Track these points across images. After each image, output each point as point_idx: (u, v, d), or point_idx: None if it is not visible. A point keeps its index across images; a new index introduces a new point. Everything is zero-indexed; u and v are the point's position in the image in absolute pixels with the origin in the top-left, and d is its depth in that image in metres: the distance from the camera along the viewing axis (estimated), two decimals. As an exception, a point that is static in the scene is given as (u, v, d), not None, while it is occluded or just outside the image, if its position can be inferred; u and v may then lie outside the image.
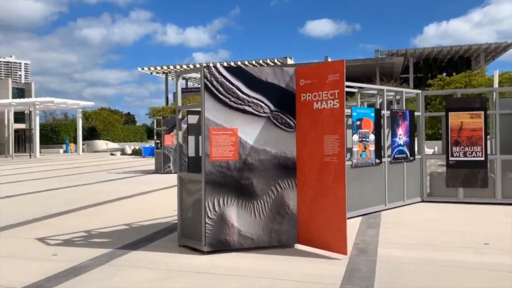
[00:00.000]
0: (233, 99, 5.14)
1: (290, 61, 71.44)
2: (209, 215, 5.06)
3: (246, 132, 5.17)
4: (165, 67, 76.43)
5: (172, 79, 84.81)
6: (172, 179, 13.78)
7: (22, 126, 42.18)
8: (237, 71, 5.17)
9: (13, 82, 46.36)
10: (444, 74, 59.29)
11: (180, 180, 5.52)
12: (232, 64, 70.51)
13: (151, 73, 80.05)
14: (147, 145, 33.62)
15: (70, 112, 63.89)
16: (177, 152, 5.55)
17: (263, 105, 5.23)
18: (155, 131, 19.05)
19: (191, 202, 5.42)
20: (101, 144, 42.85)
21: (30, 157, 32.82)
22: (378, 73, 61.11)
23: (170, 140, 16.16)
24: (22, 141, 43.75)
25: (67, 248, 5.44)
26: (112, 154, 33.27)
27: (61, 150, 41.13)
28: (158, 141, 40.66)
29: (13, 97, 40.11)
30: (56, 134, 44.68)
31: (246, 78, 5.18)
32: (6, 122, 36.31)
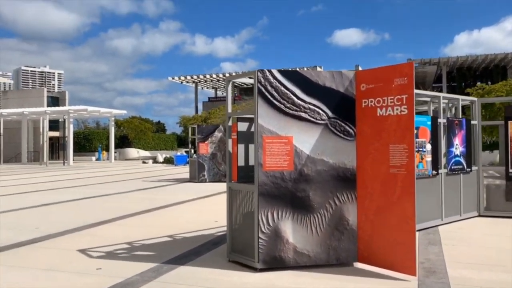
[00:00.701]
0: (288, 105, 4.78)
1: (319, 70, 70.98)
2: (263, 229, 4.69)
3: (302, 140, 4.80)
4: (195, 77, 77.19)
5: (202, 88, 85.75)
6: (208, 188, 13.55)
7: (56, 134, 43.13)
8: (293, 75, 4.82)
9: (48, 91, 47.55)
10: (479, 83, 57.61)
11: (229, 191, 5.18)
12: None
13: (181, 82, 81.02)
14: (178, 154, 33.67)
15: (101, 120, 65.19)
16: (227, 162, 5.23)
17: (320, 111, 4.85)
18: (189, 139, 18.91)
19: (241, 215, 5.07)
20: (132, 152, 43.28)
21: (64, 164, 33.38)
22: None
23: (204, 148, 15.95)
24: (56, 149, 44.72)
25: (111, 262, 5.17)
26: (144, 162, 33.47)
27: (94, 158, 41.74)
28: (187, 150, 40.67)
29: (48, 105, 41.06)
30: (88, 142, 45.46)
31: (302, 82, 4.82)
32: (41, 130, 37.12)
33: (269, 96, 4.74)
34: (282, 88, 4.77)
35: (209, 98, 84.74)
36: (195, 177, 16.16)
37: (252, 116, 5.39)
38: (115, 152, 39.33)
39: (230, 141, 5.21)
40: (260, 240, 4.69)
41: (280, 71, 4.79)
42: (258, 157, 4.70)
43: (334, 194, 4.87)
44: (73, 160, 35.13)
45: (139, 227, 7.35)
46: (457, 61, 58.37)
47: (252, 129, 5.43)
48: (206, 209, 9.38)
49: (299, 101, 4.80)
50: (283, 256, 4.73)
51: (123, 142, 46.50)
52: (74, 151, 36.25)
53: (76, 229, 7.23)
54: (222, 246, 5.85)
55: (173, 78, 79.13)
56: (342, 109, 4.90)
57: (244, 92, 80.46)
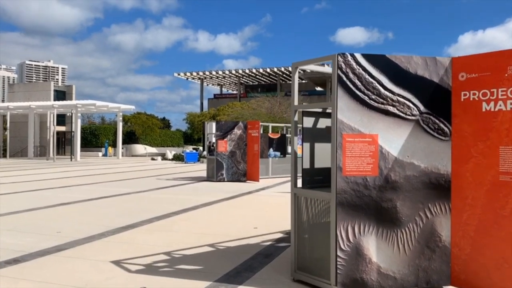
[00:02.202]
0: (373, 97, 3.99)
1: (327, 68, 70.00)
2: (342, 246, 3.91)
3: (388, 139, 4.01)
4: (200, 73, 76.52)
5: (207, 85, 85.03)
6: (230, 188, 12.77)
7: (62, 128, 42.43)
8: (379, 61, 4.02)
9: (54, 85, 46.82)
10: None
11: (295, 198, 4.40)
12: (262, 71, 69.79)
13: (187, 78, 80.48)
14: (187, 151, 32.92)
15: (107, 115, 64.53)
16: (292, 163, 4.43)
17: (410, 105, 4.05)
18: (206, 136, 18.16)
19: (310, 227, 4.29)
20: (139, 148, 42.54)
21: (71, 160, 32.67)
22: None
23: (223, 146, 15.17)
24: (62, 144, 44.00)
25: (155, 278, 4.39)
26: (153, 159, 32.71)
27: (100, 154, 41.02)
28: (195, 147, 39.92)
29: (54, 99, 40.35)
30: (95, 137, 44.74)
31: (390, 69, 4.02)
32: (48, 124, 36.41)
33: (351, 86, 3.95)
34: (367, 76, 3.98)
35: (214, 95, 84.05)
36: (213, 175, 15.39)
37: (318, 110, 4.61)
38: (122, 148, 38.60)
39: (295, 139, 4.41)
40: (338, 259, 3.90)
41: (364, 56, 3.99)
42: (337, 159, 3.91)
43: (425, 205, 4.07)
44: (80, 155, 34.39)
45: (171, 233, 6.58)
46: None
47: (319, 125, 4.66)
48: (238, 213, 8.60)
49: (386, 92, 4.01)
50: (365, 278, 3.94)
51: (130, 138, 45.78)
52: (81, 146, 35.51)
53: (103, 234, 6.45)
54: (276, 259, 5.07)
55: (178, 74, 78.53)
56: (436, 102, 4.10)
57: (249, 89, 79.81)
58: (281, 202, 10.15)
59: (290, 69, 68.73)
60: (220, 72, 75.11)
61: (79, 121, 33.95)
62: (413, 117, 4.05)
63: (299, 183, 4.45)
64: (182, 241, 6.06)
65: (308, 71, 4.43)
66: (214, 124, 31.82)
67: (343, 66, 3.93)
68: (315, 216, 4.23)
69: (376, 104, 3.98)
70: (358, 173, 3.95)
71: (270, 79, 76.31)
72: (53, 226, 7.07)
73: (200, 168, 22.71)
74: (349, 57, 3.95)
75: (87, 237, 6.24)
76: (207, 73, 75.64)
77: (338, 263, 3.90)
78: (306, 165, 4.50)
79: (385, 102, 4.00)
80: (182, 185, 14.17)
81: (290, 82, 77.67)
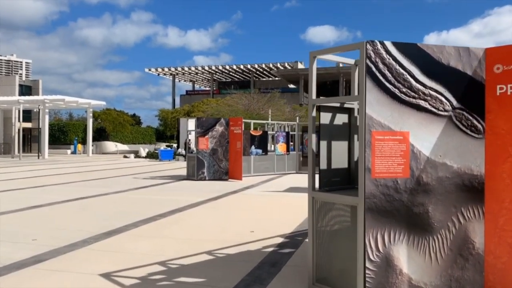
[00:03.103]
0: (404, 90, 3.59)
1: (300, 65, 70.07)
2: (371, 256, 3.50)
3: (420, 137, 3.62)
4: (172, 69, 75.24)
5: (179, 81, 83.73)
6: (213, 187, 12.25)
7: (28, 125, 40.61)
8: (411, 50, 3.62)
9: (19, 79, 44.77)
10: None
11: (313, 203, 3.96)
12: (235, 67, 69.15)
13: (158, 74, 78.99)
14: (161, 148, 32.06)
15: (75, 112, 62.40)
16: (310, 163, 3.98)
17: (443, 99, 3.68)
18: (188, 133, 17.54)
19: (331, 235, 3.86)
20: (110, 145, 41.21)
21: (38, 157, 31.24)
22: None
23: (204, 143, 14.59)
24: (28, 141, 42.17)
25: (155, 296, 3.86)
26: (125, 157, 31.65)
27: (69, 151, 39.50)
28: (168, 144, 38.96)
29: (19, 94, 38.54)
30: (64, 134, 43.07)
31: (421, 60, 3.63)
32: (13, 121, 34.72)
33: (381, 77, 3.53)
34: (398, 67, 3.57)
35: (187, 91, 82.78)
36: (193, 174, 14.80)
37: (336, 105, 4.19)
38: (92, 145, 37.26)
39: (313, 137, 3.96)
40: (367, 272, 3.49)
41: (394, 44, 3.58)
42: (366, 159, 3.49)
43: (458, 209, 3.71)
44: (48, 153, 32.93)
45: (161, 240, 6.03)
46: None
47: (336, 121, 4.23)
48: (229, 215, 8.11)
49: (417, 85, 3.61)
50: (396, 292, 3.55)
51: (100, 135, 44.32)
52: (48, 143, 34.00)
53: (86, 241, 5.84)
54: (284, 269, 4.63)
55: (149, 70, 76.96)
56: (469, 97, 3.74)
57: (223, 86, 79.01)
58: (271, 202, 9.72)
59: (264, 66, 68.48)
60: (193, 68, 74.04)
61: (46, 117, 32.48)
62: (445, 113, 3.67)
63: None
64: (175, 248, 5.54)
65: (327, 57, 3.99)
66: (189, 121, 31.14)
67: (372, 55, 3.51)
68: (337, 222, 3.81)
69: (407, 98, 3.59)
70: (388, 175, 3.54)
71: (244, 76, 75.84)
72: (28, 232, 6.39)
73: (177, 166, 22.04)
74: (379, 45, 3.54)
75: (69, 245, 5.62)
76: (179, 69, 74.44)
77: (366, 275, 3.49)
78: (323, 165, 4.06)
79: (416, 96, 3.61)
80: (162, 184, 13.52)
81: (264, 79, 77.58)
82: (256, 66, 67.99)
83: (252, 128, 16.32)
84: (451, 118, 3.69)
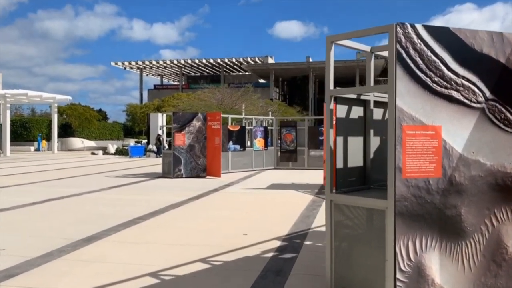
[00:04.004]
0: (436, 79, 3.21)
1: (271, 60, 69.78)
2: (402, 266, 3.11)
3: (452, 132, 3.25)
4: (140, 62, 73.35)
5: (147, 75, 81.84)
6: (191, 185, 11.70)
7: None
8: (443, 34, 3.23)
9: (-23, 73, 42.36)
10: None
11: (332, 206, 3.52)
12: (205, 62, 68.10)
13: (125, 68, 76.85)
14: (131, 144, 31.04)
15: (38, 107, 59.86)
16: (328, 160, 3.54)
17: (476, 90, 3.32)
18: (164, 128, 16.81)
19: (353, 242, 3.45)
20: (76, 142, 39.62)
21: (0, 155, 29.59)
22: (358, 75, 60.68)
23: (181, 139, 13.97)
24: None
25: (153, 317, 3.35)
26: (93, 154, 30.42)
27: (32, 148, 37.71)
28: (138, 140, 37.81)
29: (-23, 89, 36.41)
30: (26, 130, 41.06)
31: (454, 46, 3.26)
32: (-29, 116, 32.73)
33: (412, 65, 3.14)
34: (429, 53, 3.19)
35: (155, 85, 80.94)
36: (169, 172, 14.16)
37: (353, 96, 3.78)
38: (57, 142, 35.68)
39: (331, 131, 3.52)
40: (398, 283, 3.10)
41: (425, 27, 3.19)
42: (396, 157, 3.09)
43: (491, 210, 3.37)
44: (10, 150, 31.26)
45: (147, 246, 5.49)
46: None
47: (352, 115, 3.82)
48: (216, 215, 7.61)
49: (450, 74, 3.24)
50: (428, 305, 3.18)
51: (65, 131, 42.54)
52: (10, 140, 32.29)
53: (62, 250, 5.23)
54: (292, 278, 4.20)
55: (115, 64, 74.73)
56: (502, 87, 3.40)
57: (192, 80, 77.73)
58: (256, 200, 9.28)
59: (234, 60, 67.81)
60: (161, 62, 72.43)
61: (8, 112, 30.79)
62: (478, 105, 3.32)
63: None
64: (164, 256, 5.01)
65: (344, 42, 3.55)
66: (159, 116, 30.26)
67: (403, 39, 3.11)
68: (359, 228, 3.40)
69: (439, 89, 3.21)
70: (420, 175, 3.16)
71: (214, 70, 74.85)
72: (-5, 241, 5.70)
73: (149, 163, 21.27)
74: (409, 28, 3.14)
75: (43, 255, 5.00)
76: (146, 62, 72.65)
77: (397, 287, 3.10)
78: (340, 164, 3.64)
79: (448, 86, 3.24)
80: (136, 183, 12.83)
81: (234, 73, 76.85)
82: (226, 60, 67.18)
83: (229, 123, 15.81)
84: (484, 111, 3.34)
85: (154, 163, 21.01)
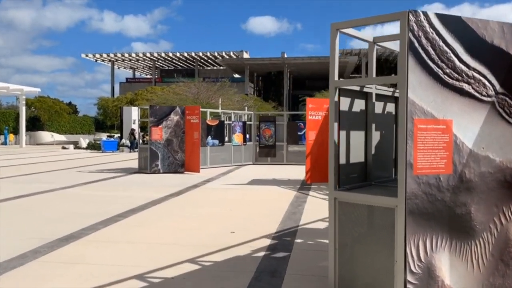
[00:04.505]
0: (447, 71, 3.05)
1: (246, 55, 69.41)
2: (412, 267, 2.95)
3: (462, 126, 3.11)
4: (111, 55, 71.59)
5: (119, 68, 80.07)
6: (170, 181, 11.36)
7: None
8: (455, 24, 3.08)
9: None
10: (393, 75, 60.47)
11: (336, 205, 3.33)
12: (178, 55, 67.08)
13: (96, 60, 74.96)
14: (103, 138, 30.23)
15: (4, 99, 57.65)
16: (331, 157, 3.33)
17: (486, 82, 3.19)
18: (138, 122, 16.32)
19: (358, 243, 3.27)
20: (45, 135, 38.32)
21: (-37, 149, 28.25)
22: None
23: (158, 133, 13.57)
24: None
25: (145, 326, 3.09)
26: (64, 148, 29.44)
27: (-2, 142, 36.29)
28: (110, 134, 36.87)
29: None
30: (-8, 123, 39.49)
31: (466, 36, 3.11)
32: None
33: (424, 55, 2.97)
34: (441, 43, 3.03)
35: (127, 79, 79.30)
36: (146, 167, 13.74)
37: (356, 88, 3.59)
38: (25, 136, 34.41)
39: (335, 125, 3.32)
40: (408, 285, 2.94)
41: (438, 16, 3.03)
42: (407, 152, 2.93)
43: (499, 208, 3.26)
44: (-26, 144, 29.98)
45: (129, 246, 5.19)
46: (377, 52, 60.66)
47: (355, 108, 3.64)
48: (199, 213, 7.34)
49: (461, 65, 3.09)
50: (437, 307, 3.04)
51: (33, 125, 41.12)
52: (-25, 133, 30.95)
53: (37, 251, 4.87)
54: (288, 278, 4.01)
55: (86, 56, 72.74)
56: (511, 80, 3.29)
57: (165, 74, 76.52)
58: (239, 197, 9.05)
59: (208, 54, 67.10)
60: (134, 55, 70.94)
61: (-28, 104, 29.44)
62: (488, 98, 3.19)
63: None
64: (149, 256, 4.73)
65: (348, 30, 3.36)
66: (133, 109, 29.52)
67: (415, 27, 2.93)
68: (365, 227, 3.22)
69: (450, 81, 3.06)
70: (431, 171, 3.00)
71: (188, 64, 73.93)
72: (-38, 242, 5.27)
73: (123, 158, 20.71)
74: (422, 16, 2.96)
75: (16, 257, 4.64)
76: (118, 55, 71.01)
77: (407, 290, 2.94)
78: (342, 160, 3.46)
79: (460, 78, 3.09)
80: (112, 178, 12.38)
81: (209, 68, 76.13)
82: (200, 54, 66.42)
83: (208, 118, 15.49)
84: (494, 105, 3.21)
85: (129, 158, 20.48)
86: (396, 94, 4.18)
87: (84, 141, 30.04)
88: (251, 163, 16.90)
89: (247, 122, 17.24)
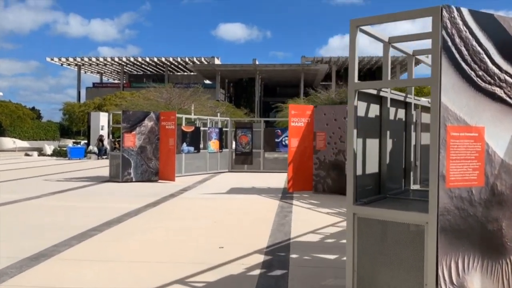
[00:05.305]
0: (480, 73, 2.78)
1: (217, 61, 68.90)
2: (445, 292, 2.64)
3: (494, 134, 2.84)
4: (78, 59, 69.63)
5: (85, 72, 77.93)
6: (144, 190, 10.79)
7: None
8: (488, 22, 2.81)
9: None
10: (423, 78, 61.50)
11: (355, 221, 2.99)
12: (148, 60, 65.88)
13: (62, 64, 72.84)
14: (69, 145, 29.04)
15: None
16: (350, 167, 2.99)
17: (517, 87, 2.93)
18: (110, 128, 15.56)
19: (382, 263, 2.93)
20: (7, 142, 36.53)
21: None
22: (303, 79, 61.61)
23: (131, 140, 12.95)
24: None
25: None
26: (27, 155, 28.03)
27: (-45, 148, 34.29)
28: (76, 141, 35.55)
29: None
30: None
31: (498, 36, 2.86)
32: None
33: (457, 55, 2.69)
34: (474, 43, 2.75)
35: (93, 83, 77.28)
36: (117, 175, 13.07)
37: (373, 92, 3.28)
38: (-15, 142, 32.69)
39: (355, 132, 2.98)
40: (441, 312, 2.62)
41: (471, 12, 2.75)
42: (439, 162, 2.62)
43: (529, 223, 3.00)
44: None
45: (110, 264, 4.68)
46: (346, 61, 61.68)
47: (371, 113, 3.33)
48: (180, 225, 6.87)
49: (493, 68, 2.83)
50: (471, 336, 2.73)
51: (-6, 130, 39.18)
52: None
53: (5, 272, 4.29)
54: (292, 301, 3.62)
55: (52, 59, 70.53)
56: (541, 85, 3.05)
57: (134, 79, 75.00)
58: (220, 207, 8.61)
59: (179, 59, 66.28)
60: (101, 59, 69.26)
61: None
62: (520, 104, 2.94)
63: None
64: (133, 277, 4.25)
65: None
66: (101, 115, 28.54)
67: (449, 25, 2.65)
68: (389, 247, 2.89)
69: (483, 84, 2.79)
70: (463, 184, 2.71)
71: (157, 69, 72.76)
72: None
73: (92, 166, 19.82)
74: (455, 13, 2.68)
75: (-20, 281, 4.06)
76: (85, 59, 69.18)
77: (440, 317, 2.62)
78: (359, 170, 3.13)
79: (492, 81, 2.82)
80: (82, 187, 11.67)
81: (179, 73, 75.24)
82: (171, 59, 65.50)
83: (183, 124, 14.96)
84: (525, 112, 2.96)
85: (97, 166, 19.63)
86: (408, 100, 3.91)
87: (49, 147, 28.73)
88: (227, 171, 16.46)
89: (223, 129, 16.81)
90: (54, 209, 8.16)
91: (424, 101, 4.40)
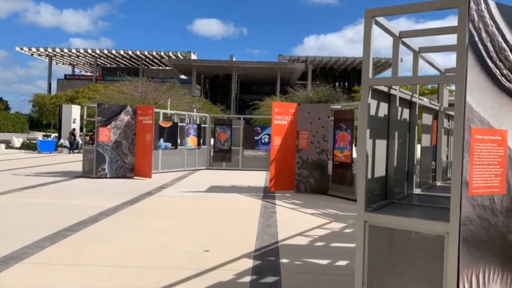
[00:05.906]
0: (505, 72, 2.59)
1: (193, 56, 68.07)
2: (465, 308, 2.43)
3: (516, 138, 2.65)
4: (49, 49, 67.57)
5: (57, 63, 75.69)
6: (120, 187, 10.35)
7: None
8: (513, 17, 2.62)
9: None
10: (338, 83, 62.33)
11: (366, 229, 2.75)
12: (122, 53, 64.44)
13: (32, 54, 70.52)
14: (39, 138, 27.99)
15: None
16: (362, 170, 2.74)
17: (539, 88, 2.75)
18: (84, 122, 14.94)
19: (394, 275, 2.71)
20: (-28, 133, 34.98)
21: None
22: (279, 77, 61.61)
23: (106, 134, 12.43)
24: None
25: None
26: (-7, 147, 26.86)
27: None
28: (46, 134, 34.35)
29: None
30: None
31: (522, 33, 2.66)
32: None
33: (483, 52, 2.48)
34: (500, 39, 2.55)
35: (65, 75, 75.16)
36: (91, 171, 12.54)
37: (384, 89, 3.05)
38: None
39: (367, 132, 2.73)
40: (461, 330, 2.42)
41: (498, 5, 2.55)
42: (463, 168, 2.41)
43: (548, 233, 2.83)
44: None
45: (86, 269, 4.31)
46: (322, 60, 62.18)
47: (380, 112, 3.10)
48: (161, 226, 6.51)
49: (517, 67, 2.63)
50: None
51: (-43, 121, 37.41)
52: None
53: (-32, 280, 3.87)
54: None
55: (21, 49, 68.21)
56: (562, 87, 2.88)
57: (107, 72, 73.28)
58: (201, 206, 8.29)
59: (155, 53, 65.14)
60: (74, 51, 67.42)
61: None
62: (542, 107, 2.76)
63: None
64: (113, 284, 3.91)
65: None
66: (74, 108, 27.63)
67: (476, 18, 2.43)
68: (404, 258, 2.66)
69: (507, 84, 2.59)
70: (486, 191, 2.51)
71: (132, 63, 71.35)
72: None
73: (63, 160, 19.09)
74: (483, 5, 2.47)
75: None
76: (57, 50, 67.23)
77: (459, 336, 2.41)
78: (369, 174, 2.89)
79: (515, 81, 2.63)
80: (53, 183, 11.10)
81: (154, 67, 73.98)
82: (146, 53, 64.33)
83: (161, 119, 14.51)
84: (545, 114, 2.78)
85: (69, 160, 18.92)
86: (414, 99, 3.70)
87: (17, 140, 27.60)
88: (205, 168, 16.10)
89: (202, 125, 16.43)
90: (24, 206, 7.66)
91: (426, 101, 4.22)
